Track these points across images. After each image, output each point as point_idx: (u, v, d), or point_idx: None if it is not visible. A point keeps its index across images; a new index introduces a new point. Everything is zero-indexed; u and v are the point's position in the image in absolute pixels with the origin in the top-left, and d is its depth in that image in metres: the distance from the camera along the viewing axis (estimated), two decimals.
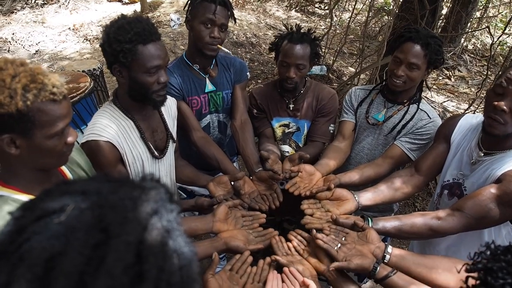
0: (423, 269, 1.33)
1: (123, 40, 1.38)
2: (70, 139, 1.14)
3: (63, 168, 1.29)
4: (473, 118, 1.69)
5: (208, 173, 2.02)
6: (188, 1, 1.94)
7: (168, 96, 1.78)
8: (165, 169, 1.79)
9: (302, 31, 1.99)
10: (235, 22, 2.03)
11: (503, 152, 1.50)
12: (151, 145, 1.67)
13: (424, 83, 1.99)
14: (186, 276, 0.50)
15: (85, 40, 6.71)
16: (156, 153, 1.69)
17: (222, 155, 1.96)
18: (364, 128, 2.06)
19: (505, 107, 1.40)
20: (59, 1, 8.01)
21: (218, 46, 1.93)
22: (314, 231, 1.48)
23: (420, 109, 1.93)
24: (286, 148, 2.22)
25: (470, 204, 1.46)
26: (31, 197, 1.09)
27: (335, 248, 1.42)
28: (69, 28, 7.02)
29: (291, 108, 2.14)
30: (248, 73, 2.27)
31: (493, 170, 1.49)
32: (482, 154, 1.56)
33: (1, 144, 1.02)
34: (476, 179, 1.57)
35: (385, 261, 1.37)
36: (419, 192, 1.85)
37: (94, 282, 0.42)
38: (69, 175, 1.32)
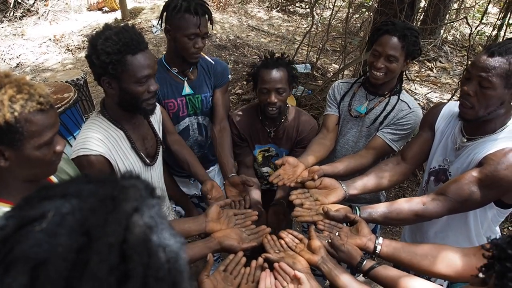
0: (414, 256, 1.37)
1: (112, 52, 1.37)
2: (58, 147, 1.14)
3: (52, 177, 1.29)
4: (456, 106, 1.74)
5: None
6: (163, 10, 1.94)
7: None
8: (157, 175, 1.80)
9: (276, 56, 2.00)
10: (213, 24, 2.04)
11: (485, 137, 1.54)
12: (142, 154, 1.67)
13: (404, 74, 2.04)
14: (174, 269, 0.51)
15: (66, 51, 6.65)
16: (148, 160, 1.69)
17: (193, 159, 1.98)
18: (348, 121, 2.09)
19: (469, 91, 1.45)
20: (38, 13, 7.93)
21: (201, 53, 1.97)
22: (313, 229, 1.52)
23: (401, 100, 1.97)
24: (265, 169, 2.24)
25: (453, 188, 1.50)
26: None
27: (329, 237, 1.46)
28: (50, 39, 6.96)
29: (271, 137, 2.14)
30: (229, 76, 2.28)
31: (476, 155, 1.53)
32: (465, 140, 1.60)
33: None
34: (460, 164, 1.62)
35: (376, 251, 1.41)
36: (405, 179, 1.89)
37: (80, 286, 0.43)
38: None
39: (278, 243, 1.54)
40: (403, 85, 2.05)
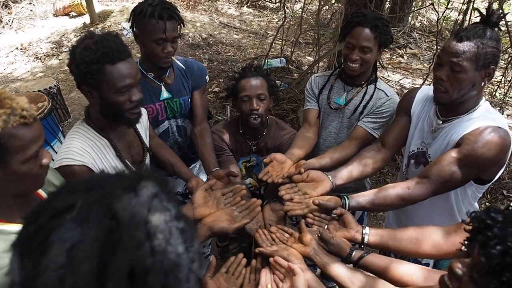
0: (399, 242, 1.43)
1: (90, 61, 1.35)
2: (45, 161, 1.12)
3: (40, 191, 1.26)
4: (430, 90, 1.80)
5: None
6: (131, 15, 1.91)
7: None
8: None
9: (253, 67, 2.01)
10: (184, 25, 2.03)
11: (459, 118, 1.62)
12: (128, 162, 1.64)
13: (378, 63, 2.10)
14: (189, 249, 0.58)
15: (35, 59, 6.46)
16: (133, 168, 1.67)
17: (176, 159, 1.97)
18: (328, 114, 2.13)
19: (442, 76, 1.53)
20: (1, 22, 7.67)
21: (172, 57, 1.96)
22: (303, 222, 1.55)
23: (378, 88, 2.03)
24: (248, 181, 2.21)
25: (434, 170, 1.56)
26: (12, 225, 1.07)
27: (319, 231, 1.50)
28: (17, 48, 6.74)
29: (253, 150, 2.13)
30: (207, 77, 2.27)
31: (452, 136, 1.60)
32: (441, 122, 1.67)
33: None
34: (438, 146, 1.68)
35: (364, 242, 1.47)
36: (386, 165, 1.95)
37: (114, 260, 0.49)
38: (46, 197, 1.31)
39: (269, 237, 1.56)
40: (377, 73, 2.10)
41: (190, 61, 2.21)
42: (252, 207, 1.58)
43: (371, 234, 1.47)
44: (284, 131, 2.13)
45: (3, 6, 7.92)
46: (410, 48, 7.61)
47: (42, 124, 3.22)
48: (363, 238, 1.47)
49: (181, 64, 2.08)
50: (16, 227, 1.09)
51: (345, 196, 1.63)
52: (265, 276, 1.36)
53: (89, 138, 1.54)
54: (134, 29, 1.93)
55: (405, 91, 5.59)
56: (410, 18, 8.03)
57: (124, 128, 1.63)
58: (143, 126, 1.81)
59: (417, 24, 8.52)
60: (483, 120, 1.54)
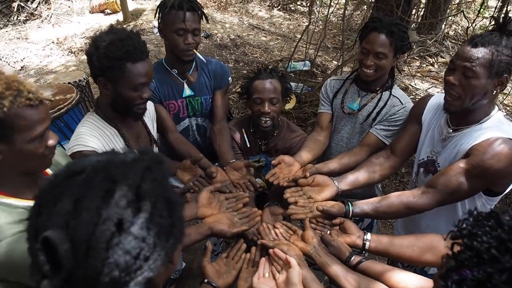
0: (400, 249, 1.42)
1: (113, 57, 1.42)
2: (51, 142, 1.19)
3: (49, 171, 1.34)
4: (442, 97, 1.77)
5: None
6: (157, 10, 1.98)
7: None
8: None
9: (269, 68, 2.03)
10: (207, 21, 2.08)
11: (469, 127, 1.59)
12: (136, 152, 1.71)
13: (395, 69, 2.07)
14: (173, 215, 0.71)
15: (70, 53, 6.72)
16: None
17: (196, 151, 2.00)
18: (341, 118, 2.12)
19: (454, 81, 1.50)
20: (41, 16, 8.02)
21: (194, 50, 1.99)
22: (307, 220, 1.58)
23: (393, 95, 2.00)
24: (258, 181, 2.18)
25: (441, 180, 1.54)
26: (19, 200, 1.16)
27: (321, 233, 1.53)
28: (53, 42, 7.04)
29: (263, 150, 2.15)
30: (229, 78, 2.30)
31: (462, 145, 1.57)
32: (451, 131, 1.64)
33: None
34: (447, 155, 1.66)
35: (366, 247, 1.47)
36: (395, 172, 1.93)
37: (107, 212, 0.62)
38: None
39: (273, 232, 1.59)
40: (404, 81, 2.07)
41: (214, 61, 2.26)
42: (252, 216, 1.63)
43: (372, 240, 1.47)
44: (295, 134, 2.14)
45: (44, 2, 8.28)
46: (441, 57, 7.42)
47: (69, 115, 3.36)
48: (364, 244, 1.48)
49: (202, 58, 2.12)
50: (23, 202, 1.18)
51: (349, 203, 1.63)
52: (264, 265, 1.40)
53: (98, 127, 1.61)
54: (159, 24, 1.99)
55: None
56: (443, 26, 7.83)
57: (131, 120, 1.70)
58: (150, 118, 1.87)
59: (451, 33, 8.30)
60: (494, 130, 1.50)
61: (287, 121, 2.21)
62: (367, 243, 1.47)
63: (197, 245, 3.31)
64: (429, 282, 1.25)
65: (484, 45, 1.44)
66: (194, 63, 2.14)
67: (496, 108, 1.59)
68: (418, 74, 6.54)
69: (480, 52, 1.44)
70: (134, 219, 0.64)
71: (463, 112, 1.56)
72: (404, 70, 6.04)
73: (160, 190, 0.70)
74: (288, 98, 2.08)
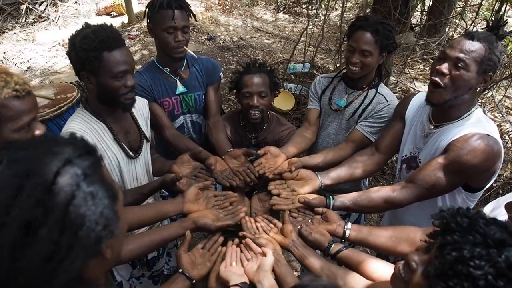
0: (379, 239, 1.46)
1: (89, 49, 1.47)
2: (38, 132, 1.24)
3: None
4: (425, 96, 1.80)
5: None
6: (146, 10, 2.04)
7: (139, 98, 1.89)
8: (141, 168, 1.88)
9: (258, 63, 2.10)
10: (195, 19, 2.14)
11: (450, 123, 1.61)
12: (125, 146, 1.75)
13: (383, 68, 2.11)
14: (99, 210, 0.66)
15: None
16: (130, 153, 1.78)
17: (194, 145, 2.04)
18: (328, 114, 2.17)
19: (445, 70, 1.51)
20: (48, 19, 8.16)
21: (184, 47, 2.04)
22: (287, 214, 1.61)
23: (379, 93, 2.04)
24: None
25: (420, 175, 1.57)
26: None
27: (299, 226, 1.55)
28: (59, 44, 7.16)
29: (253, 143, 2.20)
30: (221, 74, 2.35)
31: (441, 141, 1.60)
32: (432, 127, 1.67)
33: None
34: (428, 151, 1.68)
35: (346, 236, 1.50)
36: (380, 168, 1.96)
37: (15, 211, 0.59)
38: None
39: (254, 225, 1.62)
40: (406, 83, 2.11)
41: (205, 58, 2.32)
42: (237, 213, 1.65)
43: (352, 229, 1.50)
44: (284, 127, 2.19)
45: (51, 4, 8.43)
46: None
47: (69, 113, 3.43)
48: (344, 232, 1.50)
49: (193, 54, 2.18)
50: None
51: (330, 196, 1.66)
52: (231, 253, 1.43)
53: (87, 122, 1.65)
54: (149, 23, 2.05)
55: (413, 90, 5.47)
56: (447, 29, 7.81)
57: (121, 114, 1.74)
58: (142, 115, 1.91)
59: (455, 36, 8.28)
60: (472, 127, 1.52)
61: (276, 115, 2.27)
62: (347, 232, 1.50)
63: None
64: None
65: (479, 40, 1.47)
66: (185, 60, 2.19)
67: (477, 105, 1.61)
68: (421, 77, 6.54)
69: (474, 46, 1.47)
70: (44, 219, 0.60)
71: (444, 107, 1.58)
72: (406, 73, 6.04)
73: (84, 184, 0.65)
74: (277, 93, 2.13)
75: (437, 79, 1.54)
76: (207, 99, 2.28)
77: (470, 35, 1.49)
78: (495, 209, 1.45)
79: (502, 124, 4.87)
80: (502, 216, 1.25)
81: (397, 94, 5.31)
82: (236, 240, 1.55)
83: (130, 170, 1.80)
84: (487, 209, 1.50)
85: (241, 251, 1.45)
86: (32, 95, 1.19)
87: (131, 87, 1.61)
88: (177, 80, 2.17)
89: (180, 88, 2.18)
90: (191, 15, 2.06)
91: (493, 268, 0.71)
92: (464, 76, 1.48)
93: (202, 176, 1.81)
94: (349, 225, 1.52)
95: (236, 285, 1.29)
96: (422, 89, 6.03)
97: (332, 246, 1.46)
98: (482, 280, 0.71)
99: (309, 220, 1.61)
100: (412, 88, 5.91)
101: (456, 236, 0.79)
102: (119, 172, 1.76)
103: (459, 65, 1.48)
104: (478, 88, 1.54)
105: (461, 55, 1.47)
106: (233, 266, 1.38)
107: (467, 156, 1.46)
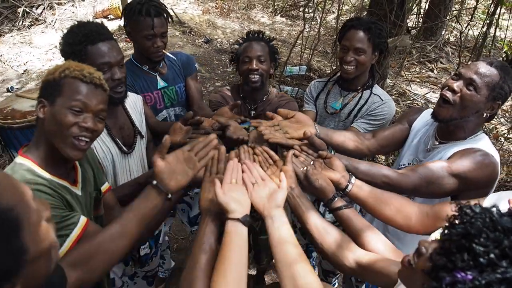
0: (378, 203, 1.41)
1: (73, 42, 1.50)
2: (85, 124, 1.22)
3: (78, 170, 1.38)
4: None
5: None
6: (123, 12, 2.06)
7: (134, 94, 1.91)
8: (135, 163, 1.87)
9: (257, 32, 2.09)
10: (173, 21, 2.18)
11: (454, 142, 1.63)
12: (118, 141, 1.75)
13: (376, 69, 2.11)
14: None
15: None
16: (124, 148, 1.77)
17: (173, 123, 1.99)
18: (325, 117, 2.17)
19: (456, 88, 1.54)
20: (45, 22, 8.16)
21: (163, 51, 2.10)
22: (291, 153, 1.47)
23: (373, 93, 2.05)
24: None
25: (425, 168, 1.56)
26: (45, 172, 1.19)
27: (302, 169, 1.44)
28: (55, 47, 7.15)
29: (252, 115, 2.18)
30: (196, 65, 2.42)
31: (444, 154, 1.62)
32: (437, 143, 1.69)
33: None
34: None
35: (347, 190, 1.42)
36: (369, 154, 1.91)
37: None
38: None
39: (252, 157, 1.45)
40: (402, 86, 2.12)
41: (180, 53, 2.39)
42: (209, 146, 1.33)
43: (355, 185, 1.42)
44: (283, 98, 2.19)
45: (48, 8, 8.43)
46: (441, 63, 7.43)
47: None
48: (347, 186, 1.42)
49: (172, 56, 2.25)
50: (48, 175, 1.20)
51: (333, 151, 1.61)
52: (231, 170, 1.26)
53: None
54: (126, 27, 2.08)
55: (430, 105, 5.47)
56: (443, 31, 7.84)
57: (114, 109, 1.74)
58: (137, 110, 1.92)
59: (452, 39, 8.31)
60: (476, 145, 1.57)
61: (277, 89, 2.27)
62: (350, 186, 1.41)
63: (188, 244, 3.34)
64: (395, 253, 1.22)
65: (496, 67, 1.51)
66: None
67: (482, 131, 1.64)
68: (417, 80, 6.56)
69: (489, 71, 1.50)
70: None
71: (449, 126, 1.61)
72: (403, 76, 6.06)
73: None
74: (276, 63, 2.11)
75: (447, 95, 1.56)
76: (188, 89, 2.33)
77: (489, 61, 1.53)
78: (498, 202, 1.43)
79: (497, 127, 4.89)
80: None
81: (393, 97, 5.32)
82: (245, 147, 1.37)
83: (123, 166, 1.80)
84: (487, 202, 1.49)
85: (243, 171, 1.24)
86: (105, 88, 1.25)
87: (118, 80, 1.61)
88: (157, 76, 2.22)
89: (161, 83, 2.23)
90: (169, 17, 2.11)
91: (498, 249, 0.69)
92: (474, 98, 1.51)
93: (195, 136, 1.74)
94: (353, 179, 1.43)
95: (237, 219, 1.11)
96: (418, 91, 6.05)
97: (336, 199, 1.37)
98: (484, 258, 0.69)
99: (311, 163, 1.48)
100: (408, 90, 5.93)
101: (466, 219, 0.78)
102: (113, 167, 1.76)
103: (471, 86, 1.51)
104: (485, 114, 1.56)
105: (475, 76, 1.51)
106: (233, 184, 1.21)
107: (472, 166, 1.48)
